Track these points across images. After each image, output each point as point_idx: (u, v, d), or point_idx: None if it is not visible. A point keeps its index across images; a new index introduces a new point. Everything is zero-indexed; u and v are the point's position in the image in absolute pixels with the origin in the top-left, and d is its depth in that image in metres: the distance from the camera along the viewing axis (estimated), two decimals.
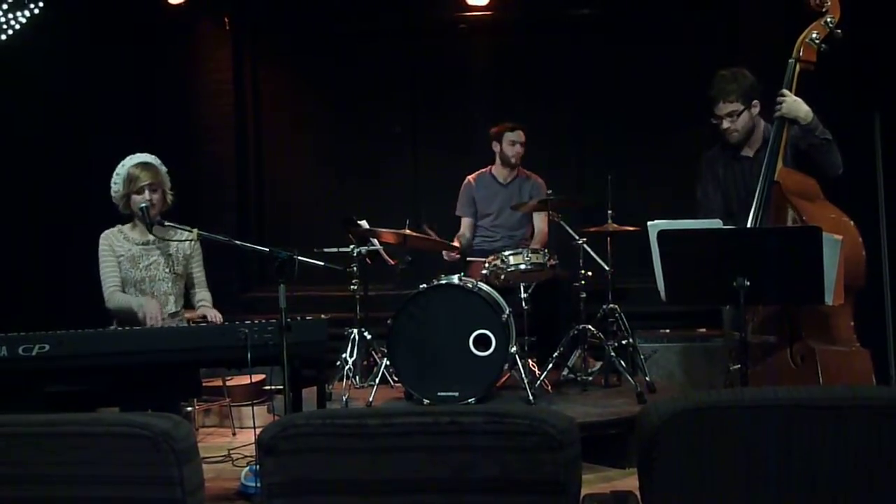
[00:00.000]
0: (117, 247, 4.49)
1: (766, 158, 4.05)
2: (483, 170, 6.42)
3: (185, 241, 4.55)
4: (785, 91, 4.07)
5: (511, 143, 6.23)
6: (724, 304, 4.38)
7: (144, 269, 4.49)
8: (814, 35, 4.06)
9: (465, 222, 6.40)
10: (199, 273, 4.66)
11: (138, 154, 4.53)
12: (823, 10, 4.07)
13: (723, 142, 4.42)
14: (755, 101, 4.29)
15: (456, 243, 6.20)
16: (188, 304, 4.67)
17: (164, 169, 4.54)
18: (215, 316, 4.38)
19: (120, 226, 4.57)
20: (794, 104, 4.06)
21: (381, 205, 7.37)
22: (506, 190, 6.31)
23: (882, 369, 4.79)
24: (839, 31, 4.05)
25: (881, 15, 5.45)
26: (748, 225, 4.01)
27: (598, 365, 5.71)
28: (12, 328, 3.79)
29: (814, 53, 4.07)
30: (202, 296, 4.64)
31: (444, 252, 6.03)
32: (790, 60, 4.10)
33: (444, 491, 1.79)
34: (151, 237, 4.48)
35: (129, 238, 4.52)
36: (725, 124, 4.29)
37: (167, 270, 4.52)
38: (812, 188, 4.01)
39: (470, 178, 6.43)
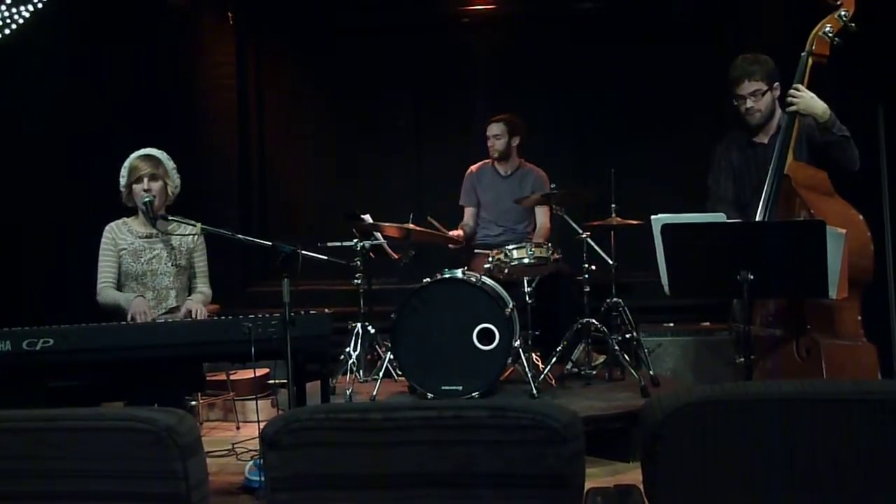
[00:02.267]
0: (120, 240, 4.51)
1: (776, 151, 4.05)
2: (486, 160, 6.43)
3: (185, 235, 4.56)
4: (800, 86, 4.05)
5: (487, 138, 6.26)
6: (727, 298, 4.38)
7: (146, 262, 4.50)
8: (827, 28, 4.04)
9: (468, 212, 6.43)
10: (201, 267, 4.67)
11: (146, 148, 4.56)
12: (837, 3, 4.06)
13: (739, 126, 4.42)
14: (776, 84, 4.29)
15: (459, 232, 6.22)
16: None
17: (170, 164, 4.56)
18: (199, 312, 4.39)
19: (125, 218, 4.59)
20: (811, 101, 4.04)
21: (385, 199, 7.37)
22: (506, 182, 6.31)
23: (887, 364, 4.78)
24: (853, 24, 4.03)
25: (884, 7, 5.43)
26: (757, 218, 4.00)
27: (602, 359, 5.71)
28: (16, 323, 3.80)
29: (827, 47, 4.06)
30: (200, 290, 4.65)
31: (450, 246, 6.05)
32: (802, 54, 4.09)
33: (448, 485, 1.79)
34: (155, 230, 4.49)
35: (133, 231, 4.54)
36: (749, 103, 4.28)
37: (169, 264, 4.53)
38: (822, 182, 4.00)
39: (472, 167, 6.46)
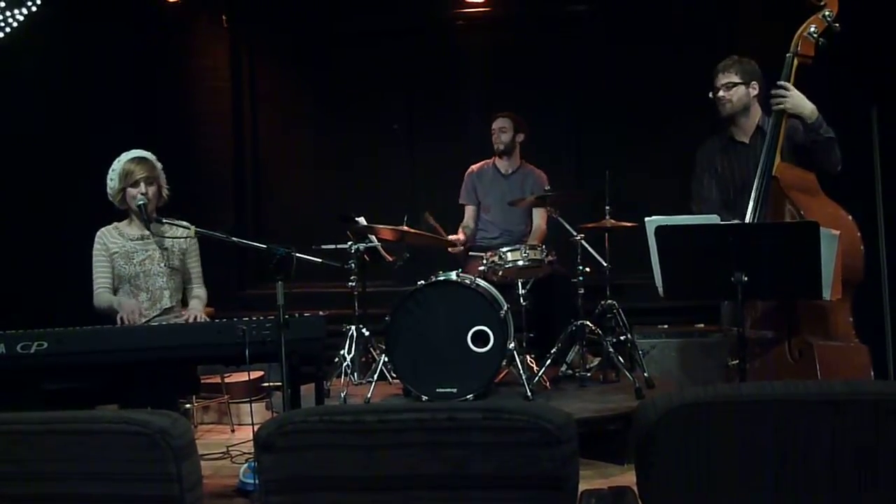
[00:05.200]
0: (111, 244, 4.51)
1: (763, 152, 4.07)
2: (486, 160, 6.44)
3: (178, 237, 4.57)
4: (788, 84, 4.08)
5: (492, 132, 6.27)
6: (721, 300, 4.39)
7: (139, 264, 4.50)
8: (812, 29, 4.07)
9: (469, 211, 6.42)
10: (195, 269, 4.67)
11: (133, 150, 4.55)
12: (821, 3, 4.08)
13: (718, 128, 4.47)
14: (754, 83, 4.34)
15: (460, 233, 6.21)
16: (185, 299, 4.68)
17: (158, 164, 4.57)
18: (199, 317, 4.39)
19: (116, 223, 4.59)
20: (800, 101, 4.07)
21: (379, 201, 7.36)
22: (507, 181, 6.32)
23: (881, 365, 4.78)
24: (837, 24, 4.06)
25: (878, 7, 5.45)
26: (747, 220, 4.01)
27: (597, 361, 5.71)
28: (11, 326, 3.80)
29: (812, 48, 4.09)
30: (196, 293, 4.66)
31: (449, 249, 6.05)
32: (787, 55, 4.12)
33: (442, 487, 1.79)
34: (146, 232, 4.49)
35: (124, 234, 4.54)
36: (720, 93, 4.37)
37: (162, 265, 4.53)
38: (810, 183, 4.02)
39: (473, 167, 6.47)
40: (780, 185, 3.97)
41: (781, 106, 4.06)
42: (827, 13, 4.06)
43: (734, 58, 4.40)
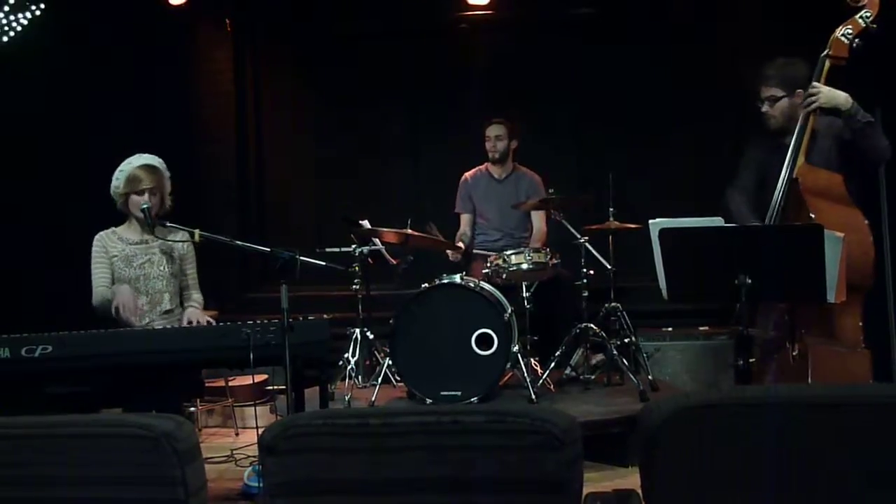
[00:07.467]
0: (111, 247, 4.51)
1: (788, 154, 4.04)
2: (479, 167, 6.43)
3: (179, 241, 4.57)
4: (815, 83, 4.04)
5: (486, 139, 6.27)
6: (725, 302, 4.37)
7: (139, 267, 4.50)
8: (848, 30, 4.01)
9: (465, 219, 6.42)
10: (191, 274, 4.68)
11: (146, 155, 4.55)
12: (860, 4, 4.04)
13: (766, 128, 4.43)
14: (799, 91, 4.25)
15: (459, 245, 6.20)
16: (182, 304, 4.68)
17: (167, 173, 4.57)
18: (200, 320, 4.40)
19: (114, 228, 4.59)
20: (831, 94, 4.02)
21: (383, 204, 7.37)
22: (501, 186, 6.31)
23: (885, 369, 4.76)
24: (875, 25, 4.01)
25: (882, 8, 5.44)
26: (768, 217, 4.00)
27: (601, 363, 5.71)
28: (14, 329, 3.80)
29: (846, 49, 4.04)
30: (194, 298, 4.66)
31: (448, 252, 6.04)
32: (822, 56, 4.08)
33: (446, 490, 1.79)
34: (146, 236, 4.50)
35: (123, 238, 4.54)
36: (764, 108, 4.29)
37: (161, 267, 4.54)
38: (834, 186, 3.95)
39: (466, 175, 6.46)
40: (799, 188, 3.95)
41: (816, 104, 4.02)
42: (865, 14, 4.00)
43: (778, 63, 4.28)
